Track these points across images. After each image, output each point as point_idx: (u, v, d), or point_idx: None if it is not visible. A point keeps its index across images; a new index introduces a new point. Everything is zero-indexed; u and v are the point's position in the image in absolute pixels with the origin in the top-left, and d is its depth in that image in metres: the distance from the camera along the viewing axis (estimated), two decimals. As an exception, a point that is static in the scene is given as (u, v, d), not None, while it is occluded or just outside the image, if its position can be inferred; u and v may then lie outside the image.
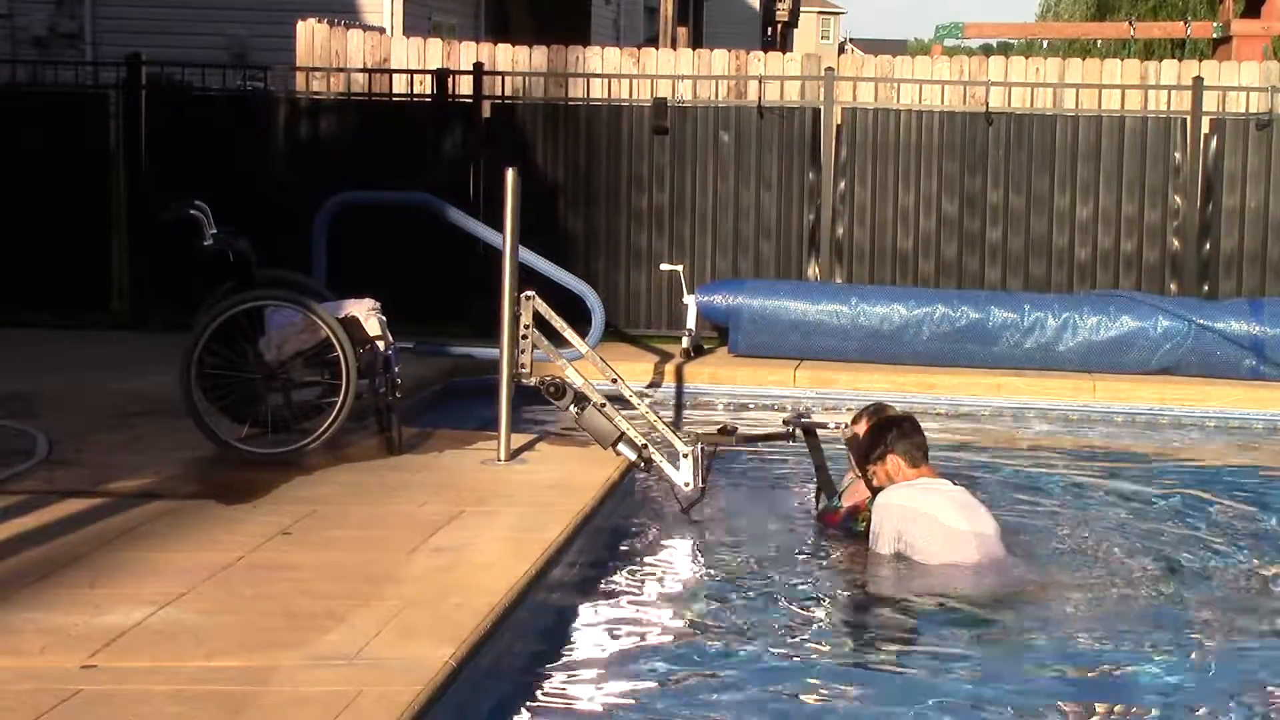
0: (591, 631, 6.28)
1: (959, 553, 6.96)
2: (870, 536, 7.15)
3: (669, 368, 11.89)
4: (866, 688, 5.87)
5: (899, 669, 6.07)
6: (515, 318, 8.04)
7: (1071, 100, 13.58)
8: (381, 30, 16.90)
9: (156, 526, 6.64)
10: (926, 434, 7.43)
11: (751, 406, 11.47)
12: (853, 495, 7.63)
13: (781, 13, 40.93)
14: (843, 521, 7.54)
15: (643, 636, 6.26)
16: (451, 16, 21.38)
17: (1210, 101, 13.30)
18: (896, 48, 64.42)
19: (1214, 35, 23.48)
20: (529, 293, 8.16)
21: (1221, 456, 10.57)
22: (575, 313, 10.38)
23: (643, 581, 6.98)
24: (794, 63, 14.62)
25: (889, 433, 7.26)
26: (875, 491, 7.34)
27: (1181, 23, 27.54)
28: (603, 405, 8.03)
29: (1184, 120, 13.11)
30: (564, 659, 5.93)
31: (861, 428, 7.85)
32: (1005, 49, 52.67)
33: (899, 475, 7.17)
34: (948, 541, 6.94)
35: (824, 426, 8.16)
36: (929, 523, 6.95)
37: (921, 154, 13.32)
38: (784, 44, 39.96)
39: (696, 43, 28.44)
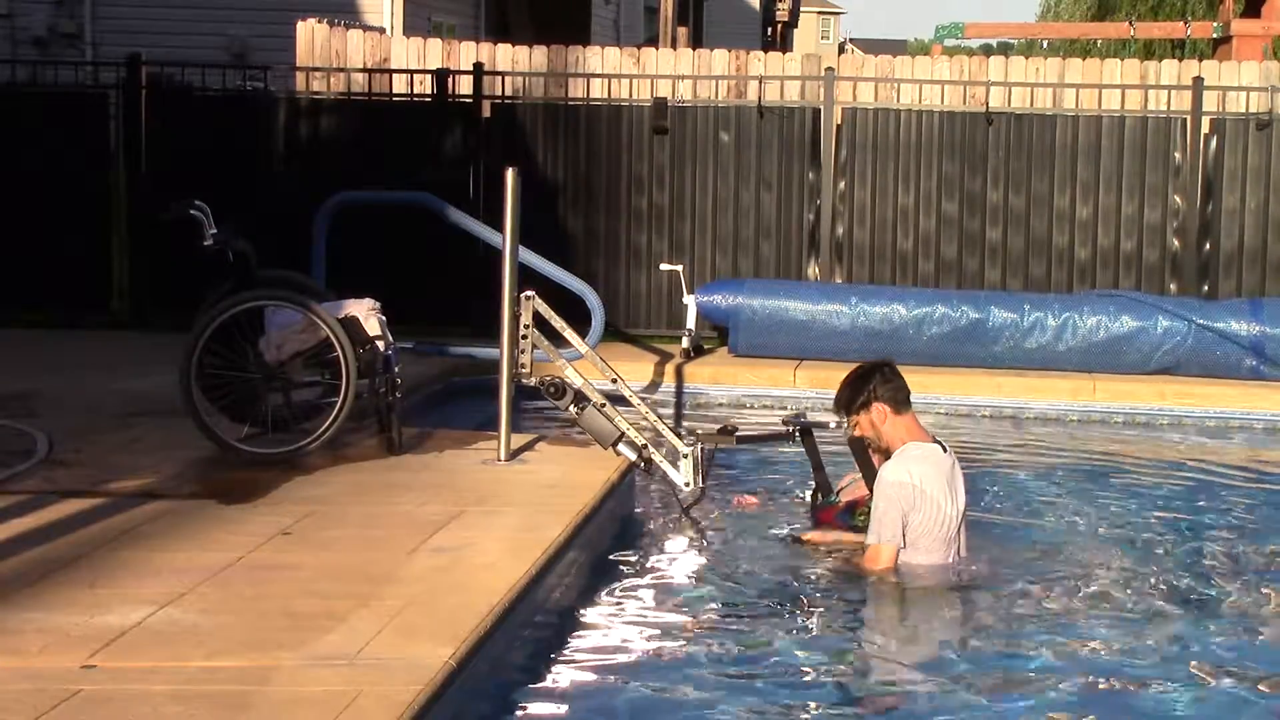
0: (591, 632, 6.28)
1: (946, 545, 6.92)
2: (873, 518, 6.96)
3: (669, 368, 11.89)
4: (867, 690, 5.87)
5: (899, 670, 6.07)
6: (515, 318, 8.04)
7: (1071, 100, 13.58)
8: (381, 30, 16.90)
9: (156, 526, 6.64)
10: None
11: (751, 406, 11.47)
12: (851, 494, 7.62)
13: (781, 13, 40.92)
14: (840, 516, 7.52)
15: (642, 637, 6.25)
16: (451, 16, 21.38)
17: (1210, 101, 13.30)
18: (896, 48, 64.40)
19: (1214, 35, 23.47)
20: (529, 293, 8.15)
21: (1220, 456, 10.56)
22: (575, 313, 10.38)
23: (642, 582, 6.98)
24: (794, 63, 14.62)
25: (872, 379, 7.12)
26: (858, 447, 7.30)
27: (1181, 23, 27.53)
28: (603, 405, 8.03)
29: (1184, 120, 13.11)
30: (564, 659, 5.93)
31: None
32: (1005, 49, 52.68)
33: (884, 421, 7.05)
34: (939, 529, 6.88)
35: (824, 426, 8.15)
36: (929, 507, 6.84)
37: (921, 154, 13.32)
38: (784, 44, 39.95)
39: (696, 43, 28.45)
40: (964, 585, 6.95)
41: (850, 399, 7.13)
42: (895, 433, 7.01)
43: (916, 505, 6.84)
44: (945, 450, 7.02)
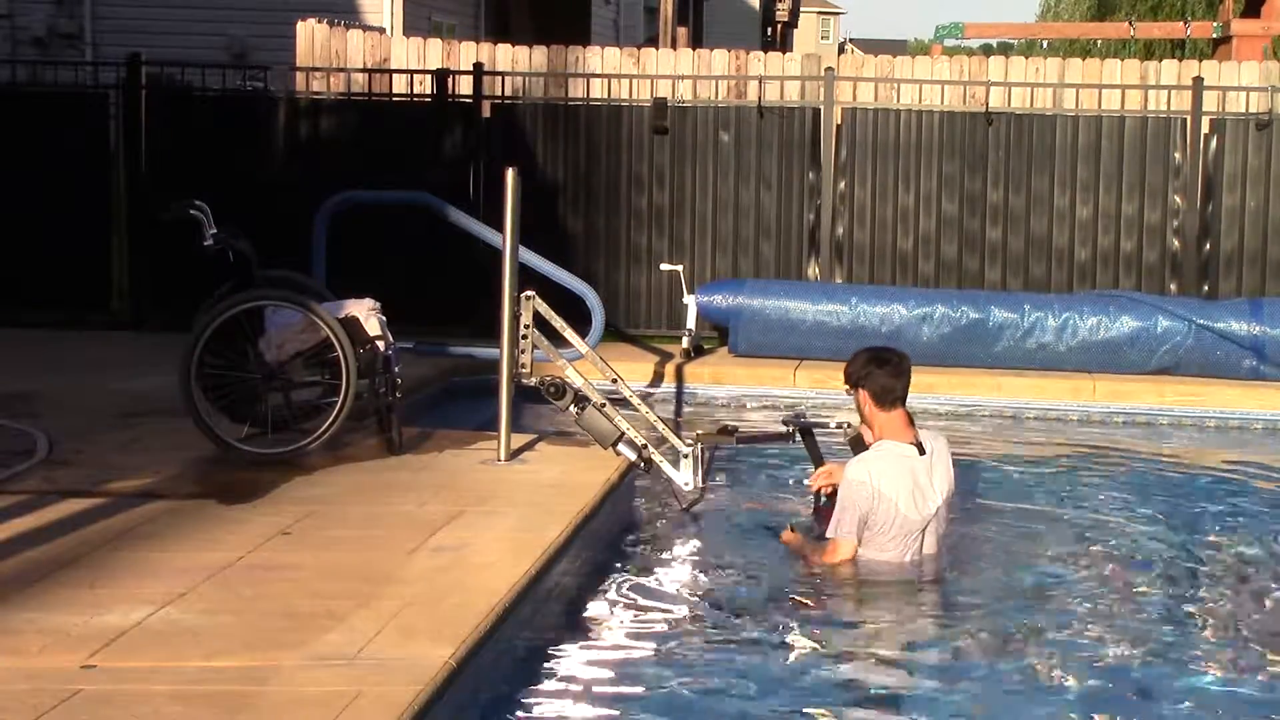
0: (591, 632, 6.28)
1: (904, 545, 6.93)
2: (834, 513, 6.98)
3: (669, 368, 11.89)
4: (867, 690, 5.87)
5: (894, 666, 6.07)
6: (515, 318, 8.04)
7: (1071, 100, 13.58)
8: (381, 30, 16.91)
9: (156, 526, 6.64)
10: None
11: (751, 406, 11.48)
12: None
13: (781, 13, 40.96)
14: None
15: (642, 637, 6.26)
16: (451, 16, 21.39)
17: (1210, 101, 13.30)
18: (896, 48, 64.42)
19: (1214, 35, 23.51)
20: (529, 293, 8.16)
21: (1220, 456, 10.56)
22: (575, 313, 10.38)
23: (642, 582, 6.98)
24: (794, 63, 14.62)
25: (869, 367, 7.11)
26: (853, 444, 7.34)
27: (1181, 23, 27.58)
28: (603, 405, 8.03)
29: (1184, 120, 13.12)
30: (563, 659, 5.93)
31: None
32: (1005, 49, 52.70)
33: (865, 407, 7.09)
34: (893, 529, 6.90)
35: (824, 426, 8.15)
36: (884, 507, 6.86)
37: (921, 154, 13.32)
38: (784, 44, 39.99)
39: (696, 43, 28.46)
40: (930, 581, 6.96)
41: (849, 372, 7.17)
42: (875, 424, 7.06)
43: (872, 504, 6.90)
44: (923, 452, 7.00)
